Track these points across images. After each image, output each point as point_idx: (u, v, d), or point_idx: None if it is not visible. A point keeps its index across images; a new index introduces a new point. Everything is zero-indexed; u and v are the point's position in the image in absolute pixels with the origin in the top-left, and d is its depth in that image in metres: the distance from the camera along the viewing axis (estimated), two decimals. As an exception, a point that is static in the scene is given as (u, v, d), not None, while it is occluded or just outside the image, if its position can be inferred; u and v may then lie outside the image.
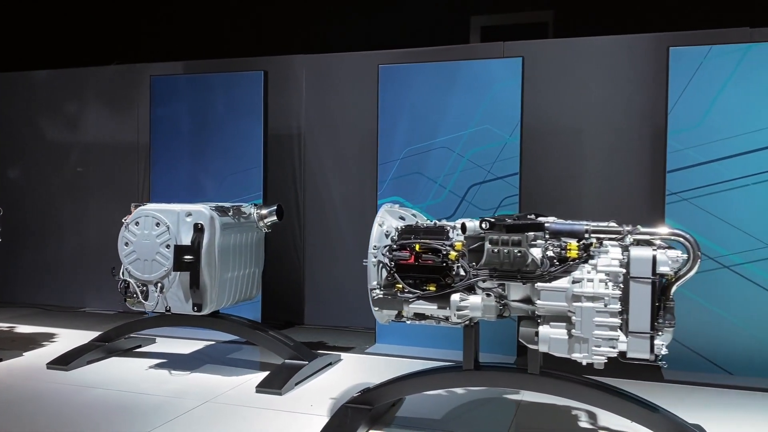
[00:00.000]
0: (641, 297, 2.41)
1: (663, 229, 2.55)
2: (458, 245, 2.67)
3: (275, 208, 4.09)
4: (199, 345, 4.58)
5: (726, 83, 3.99)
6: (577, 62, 4.75)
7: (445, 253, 2.67)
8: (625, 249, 2.49)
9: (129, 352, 4.37)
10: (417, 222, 2.93)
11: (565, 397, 2.79)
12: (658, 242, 2.54)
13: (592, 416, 3.14)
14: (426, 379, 2.93)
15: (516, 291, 2.67)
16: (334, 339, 4.85)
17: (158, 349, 4.46)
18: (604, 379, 3.71)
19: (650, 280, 2.39)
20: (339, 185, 5.35)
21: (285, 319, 5.41)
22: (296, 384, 3.61)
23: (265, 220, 4.08)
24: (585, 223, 2.62)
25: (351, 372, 3.95)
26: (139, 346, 4.50)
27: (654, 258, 2.40)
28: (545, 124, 4.76)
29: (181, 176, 5.23)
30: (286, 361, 3.81)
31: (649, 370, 4.05)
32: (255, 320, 4.50)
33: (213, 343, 4.63)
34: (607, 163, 4.70)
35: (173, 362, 4.14)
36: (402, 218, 2.93)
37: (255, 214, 4.05)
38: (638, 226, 2.54)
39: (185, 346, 4.54)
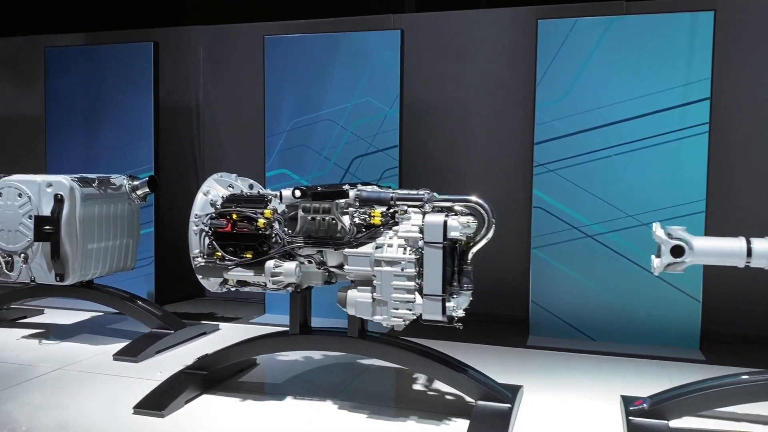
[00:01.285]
0: (433, 261, 2.49)
1: (459, 197, 2.62)
2: (267, 213, 2.72)
3: (147, 179, 4.11)
4: (85, 316, 4.62)
5: (590, 56, 4.07)
6: (458, 36, 4.79)
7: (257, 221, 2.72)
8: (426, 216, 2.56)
9: (12, 323, 4.39)
10: (243, 191, 2.97)
11: (382, 359, 2.88)
12: (458, 208, 2.61)
13: (430, 380, 3.23)
14: (255, 344, 3.00)
15: (332, 257, 2.74)
16: (227, 310, 4.91)
17: (41, 320, 4.49)
18: (465, 344, 3.89)
19: (441, 245, 2.47)
20: (235, 157, 5.36)
21: (187, 292, 5.45)
22: (157, 352, 3.67)
23: (138, 192, 4.10)
24: (392, 191, 2.68)
25: (220, 341, 4.00)
26: (24, 317, 4.52)
27: (445, 224, 2.47)
28: (427, 97, 4.82)
29: (77, 148, 5.21)
30: (153, 330, 3.86)
31: (516, 336, 4.20)
32: (133, 292, 4.50)
33: (101, 314, 4.66)
34: (486, 136, 4.77)
35: (49, 332, 4.18)
36: (231, 187, 2.97)
37: (127, 186, 4.07)
38: (434, 194, 2.61)
39: (70, 316, 4.57)
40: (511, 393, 2.75)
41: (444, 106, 4.82)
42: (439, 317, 2.50)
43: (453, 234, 2.48)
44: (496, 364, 3.55)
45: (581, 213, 4.11)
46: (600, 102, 4.06)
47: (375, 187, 2.81)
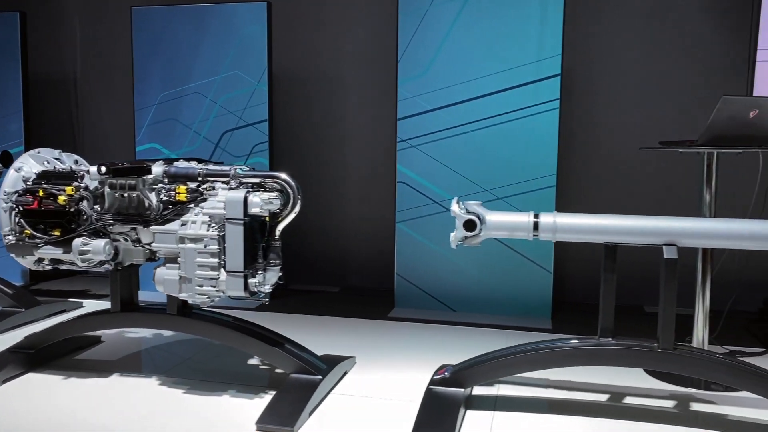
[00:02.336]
0: (235, 237, 2.50)
1: (266, 173, 2.62)
2: (69, 189, 2.68)
3: (-1, 154, 3.98)
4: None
5: (449, 32, 4.09)
6: (328, 8, 4.77)
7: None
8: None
9: None
10: (60, 168, 2.91)
11: (202, 336, 2.90)
12: (273, 184, 2.62)
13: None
14: (77, 322, 2.98)
15: (144, 235, 2.72)
16: (104, 287, 4.84)
17: None
18: (331, 318, 3.96)
19: (242, 221, 2.48)
20: (111, 130, 5.25)
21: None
22: (1, 332, 3.61)
23: (-12, 167, 3.97)
24: (200, 166, 2.67)
25: (76, 318, 3.97)
26: None
27: (245, 200, 2.48)
28: (298, 71, 4.79)
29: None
30: (3, 309, 3.79)
31: (381, 309, 4.27)
32: None
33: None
34: (356, 110, 4.79)
35: None
36: (48, 162, 2.90)
37: (-24, 161, 3.93)
38: (237, 169, 2.61)
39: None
40: (328, 365, 2.80)
41: (316, 80, 4.80)
42: (242, 293, 2.52)
43: (253, 210, 2.49)
44: (350, 337, 3.63)
45: (442, 188, 4.18)
46: (459, 78, 4.10)
47: (193, 162, 2.78)
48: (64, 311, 4.08)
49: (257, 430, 2.40)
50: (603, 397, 2.77)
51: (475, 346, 3.41)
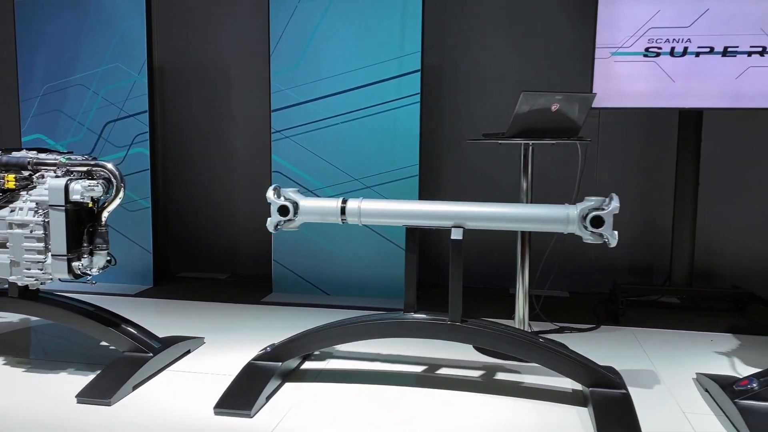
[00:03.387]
0: (58, 223, 2.64)
1: (93, 162, 2.77)
2: None
3: None
4: None
5: (317, 27, 4.27)
6: (207, 1, 4.90)
7: None
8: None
9: None
10: None
11: (42, 317, 3.03)
12: (99, 173, 2.76)
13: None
14: None
15: (-20, 220, 2.83)
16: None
17: None
18: (209, 303, 4.12)
19: (63, 208, 2.62)
20: (5, 123, 5.29)
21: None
22: None
23: None
24: (32, 155, 2.80)
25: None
26: None
27: (66, 187, 2.62)
28: (181, 63, 4.92)
29: None
30: None
31: (260, 294, 4.44)
32: None
33: None
34: (238, 101, 4.94)
35: None
36: None
37: None
38: (63, 158, 2.75)
39: None
40: (163, 345, 2.97)
41: (200, 72, 4.94)
42: (66, 275, 2.66)
43: (75, 197, 2.63)
44: (213, 320, 3.81)
45: (314, 177, 4.37)
46: (328, 72, 4.28)
47: (32, 152, 2.89)
48: None
49: (77, 402, 2.55)
50: (419, 369, 3.00)
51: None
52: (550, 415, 2.51)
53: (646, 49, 3.89)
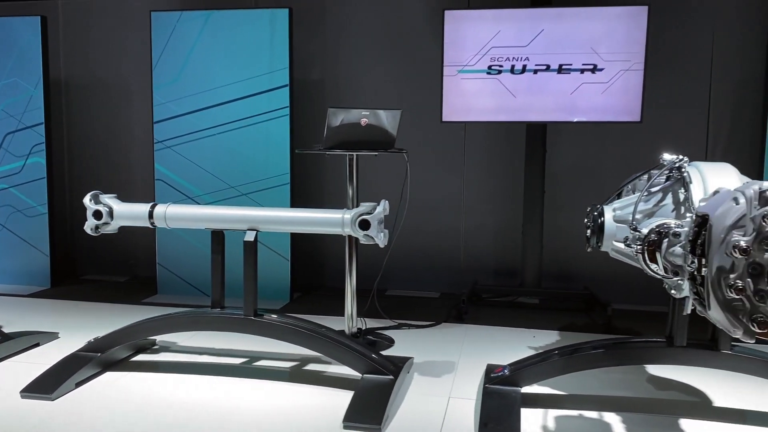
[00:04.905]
0: None
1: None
2: None
3: None
4: None
5: (194, 44, 4.57)
6: (109, 21, 5.21)
7: None
8: None
9: None
10: None
11: None
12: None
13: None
14: None
15: None
16: None
17: None
18: (95, 303, 4.39)
19: None
20: None
21: None
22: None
23: None
24: None
25: None
26: None
27: None
28: (82, 78, 5.24)
29: None
30: None
31: (144, 295, 4.71)
32: None
33: None
34: (137, 113, 5.23)
35: None
36: None
37: None
38: None
39: None
40: (6, 338, 3.24)
41: (99, 86, 5.25)
42: None
43: None
44: (84, 318, 4.08)
45: (195, 185, 4.65)
46: (205, 86, 4.58)
47: None
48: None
49: None
50: (238, 361, 3.28)
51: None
52: (322, 399, 2.79)
53: (489, 67, 4.19)
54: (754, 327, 1.46)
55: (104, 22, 5.21)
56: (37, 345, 3.46)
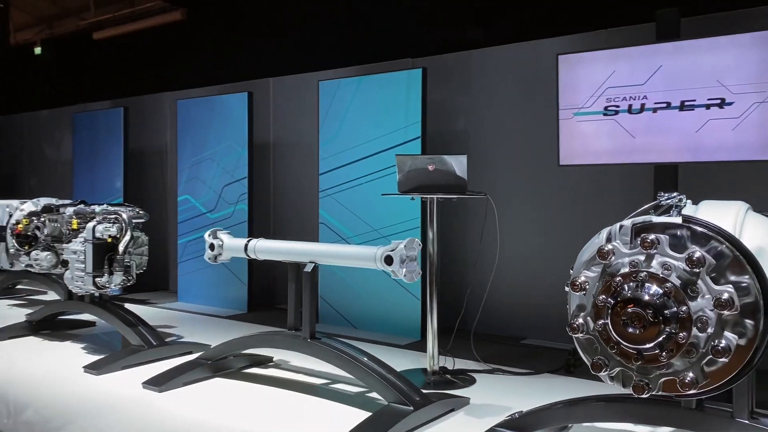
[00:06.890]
0: (89, 251, 4.03)
1: (113, 209, 4.12)
2: (25, 221, 4.46)
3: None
4: None
5: (349, 106, 5.24)
6: (298, 96, 6.19)
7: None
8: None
9: None
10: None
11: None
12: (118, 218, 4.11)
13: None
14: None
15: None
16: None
17: None
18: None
19: (92, 241, 4.01)
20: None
21: None
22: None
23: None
24: (90, 208, 4.27)
25: None
26: None
27: (93, 228, 4.01)
28: (280, 139, 6.29)
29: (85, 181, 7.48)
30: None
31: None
32: None
33: None
34: (301, 169, 6.07)
35: None
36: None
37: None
38: (94, 207, 4.15)
39: None
40: None
41: (286, 146, 6.24)
42: (92, 288, 4.03)
43: (97, 235, 4.01)
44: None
45: (347, 227, 5.26)
46: (356, 141, 5.20)
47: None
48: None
49: None
50: (319, 381, 3.68)
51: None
52: (351, 416, 3.04)
53: (605, 108, 4.03)
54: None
55: (305, 94, 6.22)
56: (190, 353, 4.31)
